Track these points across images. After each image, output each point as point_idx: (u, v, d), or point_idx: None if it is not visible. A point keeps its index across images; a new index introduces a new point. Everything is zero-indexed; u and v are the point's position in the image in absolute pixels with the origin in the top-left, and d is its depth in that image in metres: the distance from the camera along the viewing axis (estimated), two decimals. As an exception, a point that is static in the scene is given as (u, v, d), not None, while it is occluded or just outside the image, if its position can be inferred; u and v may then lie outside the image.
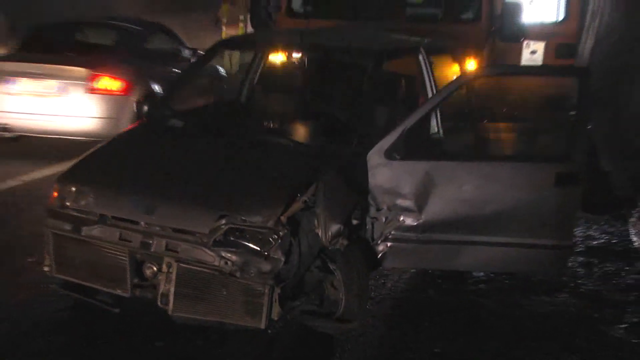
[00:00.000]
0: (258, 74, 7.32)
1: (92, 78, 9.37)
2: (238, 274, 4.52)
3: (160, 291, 4.75)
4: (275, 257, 4.52)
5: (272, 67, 7.50)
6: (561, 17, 9.49)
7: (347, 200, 4.92)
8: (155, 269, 4.81)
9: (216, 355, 4.92)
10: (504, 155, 6.34)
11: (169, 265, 4.70)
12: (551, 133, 6.61)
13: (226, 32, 18.82)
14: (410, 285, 6.24)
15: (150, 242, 4.75)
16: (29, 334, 5.07)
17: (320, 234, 4.67)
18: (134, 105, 6.66)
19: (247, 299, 4.57)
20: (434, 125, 6.01)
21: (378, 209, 5.29)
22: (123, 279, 4.86)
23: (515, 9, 8.37)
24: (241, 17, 19.15)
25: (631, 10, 12.59)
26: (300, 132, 6.18)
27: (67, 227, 4.98)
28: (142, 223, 4.82)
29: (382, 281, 6.20)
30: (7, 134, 9.81)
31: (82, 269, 5.02)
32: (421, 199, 5.25)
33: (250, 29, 16.03)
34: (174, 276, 4.67)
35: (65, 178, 5.21)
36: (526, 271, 6.04)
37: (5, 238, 6.75)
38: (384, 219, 5.31)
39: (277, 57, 7.47)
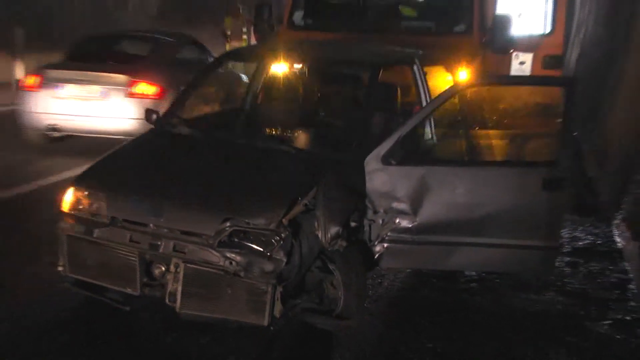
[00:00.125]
0: (261, 83, 7.32)
1: (131, 84, 9.95)
2: (242, 274, 4.53)
3: (168, 290, 4.76)
4: (278, 257, 4.53)
5: (275, 78, 7.49)
6: (548, 30, 9.49)
7: (345, 204, 4.91)
8: (163, 268, 4.83)
9: (221, 351, 4.89)
10: (494, 161, 6.35)
11: (177, 266, 4.71)
12: (539, 140, 6.61)
13: (231, 44, 18.81)
14: (406, 284, 6.23)
15: (159, 243, 4.76)
16: (47, 331, 5.05)
17: (320, 235, 4.66)
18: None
19: (251, 298, 4.57)
20: (428, 132, 6.01)
21: (375, 212, 5.29)
22: (133, 278, 4.86)
23: (505, 22, 8.37)
24: (244, 30, 19.16)
25: (612, 24, 12.62)
26: (301, 139, 6.19)
27: (80, 229, 4.99)
28: (151, 225, 4.83)
29: (379, 280, 6.20)
30: (55, 134, 10.38)
31: (94, 269, 5.02)
32: (416, 202, 5.25)
33: (253, 41, 16.09)
34: (181, 276, 4.68)
35: (77, 183, 5.22)
36: (515, 271, 6.03)
37: (41, 234, 6.71)
38: (380, 221, 5.31)
39: (279, 68, 7.46)
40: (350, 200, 5.03)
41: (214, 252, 4.60)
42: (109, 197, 5.01)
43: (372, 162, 5.21)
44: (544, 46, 9.34)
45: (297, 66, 7.31)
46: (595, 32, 15.59)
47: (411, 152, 5.34)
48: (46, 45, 17.33)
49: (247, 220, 4.63)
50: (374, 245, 5.36)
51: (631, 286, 6.34)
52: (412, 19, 9.36)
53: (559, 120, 5.64)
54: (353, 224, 5.01)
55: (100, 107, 9.90)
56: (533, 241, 5.36)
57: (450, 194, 5.31)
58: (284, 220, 4.60)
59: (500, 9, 9.05)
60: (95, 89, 10.00)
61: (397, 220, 5.30)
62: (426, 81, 6.34)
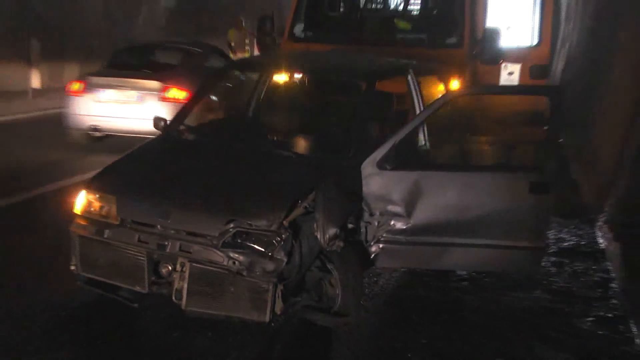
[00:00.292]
0: (264, 92, 7.31)
1: (164, 89, 10.48)
2: (245, 273, 4.54)
3: (175, 288, 4.75)
4: (279, 257, 4.54)
5: (276, 86, 7.49)
6: (535, 41, 9.48)
7: (343, 206, 4.90)
8: (170, 268, 4.82)
9: (225, 346, 4.87)
10: (484, 166, 6.34)
11: (183, 265, 4.71)
12: (526, 146, 6.61)
13: (236, 54, 18.80)
14: (401, 283, 6.22)
15: (166, 243, 4.76)
16: (47, 331, 5.00)
17: (319, 236, 4.67)
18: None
19: (253, 295, 4.57)
20: (422, 139, 6.00)
21: (371, 214, 5.29)
22: (141, 277, 4.86)
23: (494, 35, 8.37)
24: (246, 41, 19.15)
25: (596, 36, 12.63)
26: (301, 145, 6.18)
27: (91, 230, 4.99)
28: (159, 227, 4.82)
29: (375, 279, 6.18)
30: (96, 133, 10.90)
31: (105, 268, 5.02)
32: (410, 205, 5.25)
33: (256, 52, 16.11)
34: (187, 274, 4.68)
35: (89, 186, 5.21)
36: (504, 270, 6.02)
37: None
38: (376, 223, 5.31)
39: (281, 77, 7.45)
40: (348, 203, 5.03)
41: (218, 252, 4.60)
42: (119, 199, 5.00)
43: (368, 167, 5.21)
44: (531, 57, 9.32)
45: (298, 76, 7.31)
46: (579, 44, 15.60)
47: (405, 158, 5.33)
48: (60, 55, 17.35)
49: (249, 222, 4.63)
50: (370, 246, 5.36)
51: (613, 285, 6.33)
52: (407, 31, 9.36)
53: (545, 127, 5.63)
54: (350, 226, 5.04)
55: (137, 109, 10.34)
56: (521, 242, 5.36)
57: (442, 197, 5.31)
58: (284, 222, 4.61)
59: (490, 22, 9.04)
60: (132, 93, 10.59)
61: (392, 222, 5.30)
62: (420, 90, 6.33)
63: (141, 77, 10.82)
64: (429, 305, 5.77)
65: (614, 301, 6.01)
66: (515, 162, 6.50)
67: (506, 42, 8.86)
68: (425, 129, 5.90)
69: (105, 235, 4.93)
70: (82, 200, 5.13)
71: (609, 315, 5.75)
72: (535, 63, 9.31)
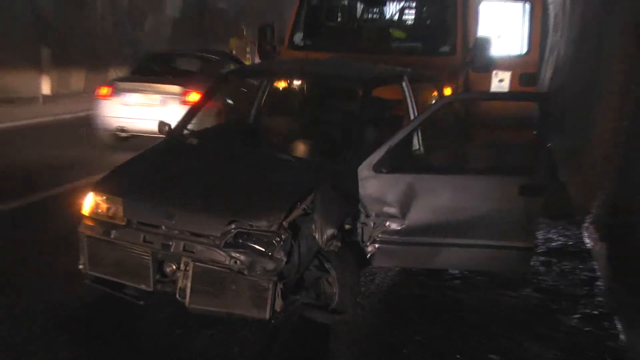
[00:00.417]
0: (264, 98, 7.30)
1: (184, 93, 10.78)
2: (246, 272, 4.53)
3: (179, 286, 4.74)
4: (278, 257, 4.53)
5: (277, 93, 7.48)
6: (524, 50, 9.50)
7: (340, 208, 4.91)
8: (174, 267, 4.80)
9: (227, 342, 4.86)
10: (476, 169, 6.32)
11: (186, 264, 4.70)
12: (516, 149, 6.60)
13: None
14: (395, 281, 6.21)
15: (170, 243, 4.75)
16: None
17: (317, 237, 4.67)
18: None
19: (254, 294, 4.56)
20: (416, 143, 5.99)
21: (367, 216, 5.28)
22: (147, 276, 4.85)
23: (485, 43, 8.38)
24: (247, 49, 19.17)
25: (582, 45, 12.64)
26: (300, 149, 6.18)
27: (99, 230, 4.98)
28: (163, 227, 4.81)
29: (371, 278, 6.17)
30: (123, 134, 11.22)
31: (112, 267, 5.00)
32: (404, 207, 5.24)
33: (257, 60, 16.12)
34: (190, 273, 4.67)
35: (96, 188, 5.20)
36: (495, 269, 6.01)
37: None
38: (372, 224, 5.30)
39: (281, 84, 7.45)
40: (345, 204, 5.04)
41: (220, 251, 4.59)
42: (125, 201, 4.99)
43: (364, 170, 5.21)
44: (521, 65, 9.34)
45: (297, 82, 7.30)
46: (567, 53, 15.61)
47: (400, 162, 5.32)
48: (68, 63, 17.35)
49: (250, 223, 4.63)
50: (367, 246, 5.35)
51: (599, 283, 6.32)
52: (402, 40, 9.36)
53: (534, 132, 5.63)
54: (347, 227, 5.04)
55: (160, 112, 10.26)
56: (511, 242, 5.36)
57: (436, 199, 5.30)
58: (284, 223, 4.60)
59: (481, 32, 9.05)
60: (156, 97, 10.96)
61: (387, 223, 5.29)
62: (414, 96, 6.32)
63: (164, 82, 11.22)
64: (423, 303, 5.76)
65: (600, 299, 6.01)
66: (505, 165, 6.48)
67: (497, 50, 8.87)
68: (419, 133, 5.89)
69: (112, 236, 4.91)
70: (89, 202, 5.12)
71: (595, 312, 5.74)
72: (524, 71, 9.33)
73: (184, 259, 4.71)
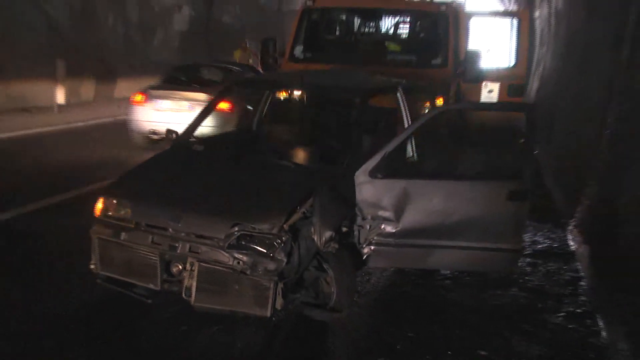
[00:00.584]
0: (266, 107, 7.30)
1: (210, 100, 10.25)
2: (248, 272, 4.53)
3: (185, 285, 4.73)
4: (279, 258, 4.53)
5: (278, 103, 7.48)
6: (512, 63, 9.52)
7: (338, 212, 4.90)
8: (180, 267, 4.79)
9: (230, 338, 4.85)
10: (466, 175, 6.32)
11: (192, 265, 4.69)
12: (504, 156, 6.59)
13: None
14: (390, 281, 6.19)
15: (177, 245, 4.74)
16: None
17: (316, 239, 4.66)
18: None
19: (256, 292, 4.56)
20: (410, 150, 5.98)
21: (363, 219, 5.28)
22: (154, 275, 4.84)
23: (476, 57, 8.39)
24: (250, 61, 19.20)
25: (567, 59, 12.65)
26: (300, 155, 6.18)
27: (109, 232, 4.97)
28: (170, 230, 4.80)
29: (367, 278, 6.15)
30: (155, 137, 11.18)
31: (121, 267, 4.99)
32: (399, 211, 5.24)
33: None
34: (195, 273, 4.67)
35: (107, 193, 5.20)
36: (484, 270, 6.00)
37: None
38: (368, 227, 5.30)
39: (282, 94, 7.45)
40: (342, 208, 5.03)
41: (224, 253, 4.59)
42: (134, 205, 4.99)
43: (361, 176, 5.21)
44: (509, 77, 9.37)
45: (297, 93, 7.30)
46: (552, 66, 15.63)
47: (395, 167, 5.32)
48: (81, 73, 17.37)
49: (253, 226, 4.63)
50: (363, 248, 5.35)
51: (582, 283, 6.32)
52: (397, 53, 9.37)
53: (522, 140, 5.62)
54: (344, 229, 5.03)
55: (188, 116, 10.21)
56: (499, 244, 5.36)
57: (429, 203, 5.30)
58: (284, 225, 4.60)
59: (472, 45, 9.06)
60: (184, 103, 11.24)
61: (383, 226, 5.29)
62: (408, 106, 6.31)
63: (191, 90, 11.59)
64: (416, 302, 5.74)
65: (583, 298, 6.00)
66: (494, 171, 6.48)
67: (486, 63, 8.88)
68: (413, 141, 5.89)
69: (122, 238, 4.91)
70: (100, 206, 5.11)
71: (579, 310, 5.73)
72: (512, 82, 9.35)
73: (189, 260, 4.70)
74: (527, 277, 6.43)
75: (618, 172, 6.61)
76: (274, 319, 4.72)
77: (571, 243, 7.41)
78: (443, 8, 8.87)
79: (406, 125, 6.09)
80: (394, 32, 9.96)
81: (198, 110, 10.01)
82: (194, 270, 4.68)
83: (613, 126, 7.23)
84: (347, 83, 6.70)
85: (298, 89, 7.18)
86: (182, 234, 4.76)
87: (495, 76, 9.22)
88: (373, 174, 5.19)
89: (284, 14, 27.91)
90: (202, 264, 4.65)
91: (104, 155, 11.21)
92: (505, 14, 13.51)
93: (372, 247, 5.34)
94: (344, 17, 10.00)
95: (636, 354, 4.66)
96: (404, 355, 4.78)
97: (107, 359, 4.60)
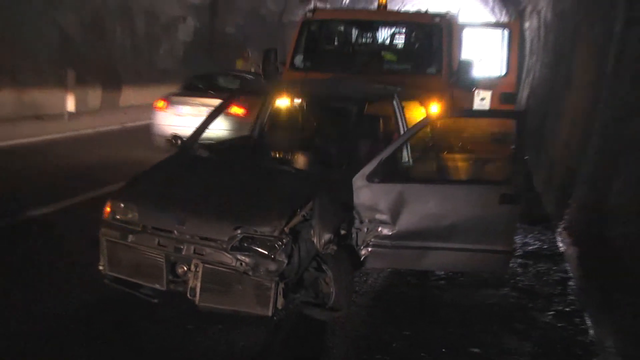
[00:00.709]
0: (267, 115, 7.29)
1: (230, 107, 10.51)
2: (250, 273, 4.54)
3: (190, 286, 4.72)
4: (280, 259, 4.53)
5: (279, 110, 7.47)
6: (504, 72, 9.49)
7: (336, 215, 4.91)
8: (185, 268, 4.78)
9: (233, 336, 4.84)
10: (460, 180, 6.33)
11: (197, 266, 4.68)
12: (496, 162, 6.60)
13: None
14: (387, 281, 6.19)
15: (182, 247, 4.74)
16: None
17: (315, 241, 4.68)
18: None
19: (258, 292, 4.56)
20: (405, 156, 5.98)
21: (361, 222, 5.28)
22: (160, 276, 4.84)
23: (468, 66, 8.39)
24: (252, 70, 19.21)
25: (555, 69, 12.66)
26: (300, 161, 6.17)
27: (117, 235, 4.97)
28: (175, 232, 4.79)
29: (364, 278, 6.14)
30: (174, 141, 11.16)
31: (129, 268, 4.98)
32: (395, 214, 5.24)
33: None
34: (200, 274, 4.66)
35: (115, 197, 5.19)
36: (477, 270, 6.00)
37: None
38: (365, 229, 5.30)
39: (283, 102, 7.43)
40: (341, 212, 5.03)
41: (227, 254, 4.59)
42: (141, 208, 4.99)
43: (358, 180, 5.22)
44: (501, 85, 9.34)
45: (298, 100, 7.29)
46: (541, 75, 15.64)
47: (391, 172, 5.32)
48: (89, 83, 17.38)
49: (255, 228, 4.62)
50: (360, 249, 5.35)
51: (571, 283, 6.32)
52: (393, 62, 9.36)
53: (512, 146, 5.62)
54: (343, 232, 5.02)
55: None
56: (491, 246, 5.36)
57: (423, 206, 5.30)
58: (285, 228, 4.61)
59: (464, 55, 9.05)
60: (203, 109, 10.85)
61: (379, 229, 5.29)
62: (404, 113, 6.31)
63: (209, 97, 11.64)
64: (411, 301, 5.74)
65: (572, 297, 6.00)
66: (486, 176, 6.48)
67: (479, 72, 8.87)
68: (409, 147, 5.88)
69: (129, 240, 4.90)
70: (109, 209, 5.10)
71: (567, 309, 5.73)
72: (504, 90, 9.33)
73: (194, 261, 4.69)
74: (518, 278, 6.43)
75: (604, 177, 6.61)
76: (275, 317, 4.71)
77: (560, 245, 7.40)
78: (437, 20, 8.86)
79: (402, 132, 6.09)
80: (390, 42, 9.95)
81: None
82: (198, 271, 4.67)
83: (599, 133, 7.23)
84: (346, 91, 6.70)
85: (299, 97, 7.17)
86: (187, 237, 4.76)
87: (487, 84, 9.19)
88: (370, 178, 5.19)
89: (284, 26, 27.93)
90: (206, 265, 4.65)
91: (117, 159, 11.34)
92: (497, 25, 13.46)
93: (370, 249, 5.34)
94: (342, 29, 9.99)
95: (622, 351, 4.65)
96: (401, 352, 4.77)
97: (107, 359, 4.56)
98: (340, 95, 6.61)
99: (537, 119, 12.90)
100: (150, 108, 12.59)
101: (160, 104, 12.38)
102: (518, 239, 7.41)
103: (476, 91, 9.07)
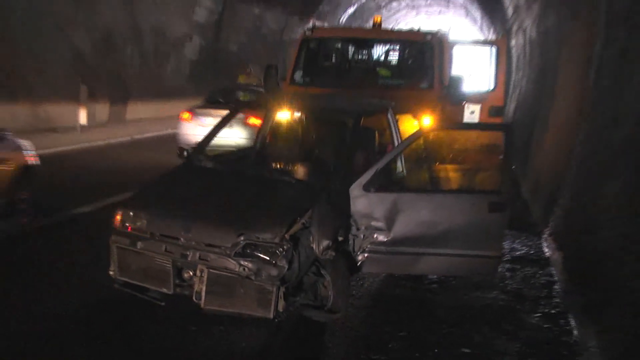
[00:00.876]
0: (269, 127, 7.29)
1: (246, 117, 11.34)
2: (253, 277, 4.54)
3: (195, 290, 4.73)
4: (281, 264, 4.54)
5: (280, 123, 7.47)
6: (492, 87, 9.51)
7: (334, 222, 4.91)
8: (191, 273, 4.80)
9: (236, 337, 4.83)
10: (451, 189, 6.33)
11: (202, 271, 4.69)
12: (485, 172, 6.60)
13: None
14: (382, 285, 6.18)
15: (188, 253, 4.74)
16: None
17: (314, 247, 4.69)
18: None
19: (260, 296, 4.57)
20: (399, 166, 5.98)
21: (358, 229, 5.27)
22: (167, 281, 4.84)
23: (458, 81, 8.40)
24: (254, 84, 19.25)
25: (540, 84, 12.69)
26: (300, 171, 6.17)
27: (127, 242, 4.97)
28: (182, 239, 4.80)
29: (361, 282, 6.13)
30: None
31: (138, 273, 4.99)
32: (389, 221, 5.23)
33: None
34: (205, 279, 4.67)
35: (125, 206, 5.19)
36: (468, 274, 5.99)
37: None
38: (362, 236, 5.29)
39: (283, 115, 7.43)
40: (339, 219, 5.04)
41: (231, 260, 4.60)
42: (149, 216, 5.00)
43: (355, 190, 5.21)
44: (489, 99, 9.36)
45: (297, 114, 7.29)
46: (527, 90, 15.67)
47: (386, 182, 5.33)
48: (98, 97, 17.40)
49: (257, 235, 4.63)
50: (357, 255, 5.33)
51: (556, 286, 6.31)
52: (387, 78, 9.37)
53: (501, 156, 5.63)
54: (340, 238, 5.01)
55: (228, 131, 10.55)
56: (481, 251, 5.35)
57: (417, 214, 5.29)
58: (286, 235, 4.61)
59: (455, 71, 9.06)
60: None
61: (375, 235, 5.28)
62: (398, 126, 6.31)
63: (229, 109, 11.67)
64: (406, 304, 5.73)
65: (557, 300, 5.99)
66: (476, 185, 6.48)
67: (468, 87, 8.89)
68: (402, 158, 5.88)
69: (138, 246, 4.91)
70: (119, 217, 5.10)
71: (553, 311, 5.72)
72: (492, 104, 9.34)
73: (199, 266, 4.69)
74: (506, 281, 6.42)
75: (587, 186, 6.61)
76: (276, 319, 4.71)
77: (546, 250, 7.40)
78: (429, 37, 8.87)
79: (396, 144, 6.09)
80: (384, 59, 9.97)
81: (236, 126, 10.97)
82: (203, 276, 4.67)
83: (582, 144, 7.24)
84: (343, 105, 6.70)
85: (298, 111, 7.17)
86: (193, 243, 4.76)
87: (476, 99, 9.20)
88: (366, 188, 5.19)
89: (285, 43, 28.00)
90: (211, 270, 4.65)
91: (127, 168, 11.41)
92: (485, 42, 13.48)
93: (366, 255, 5.32)
94: (339, 46, 10.01)
95: (604, 351, 4.65)
96: (396, 352, 4.76)
97: (107, 359, 4.52)
98: (338, 109, 6.61)
99: (524, 131, 12.92)
100: (157, 122, 12.64)
101: (186, 115, 12.66)
102: (506, 245, 7.40)
103: (466, 105, 9.08)
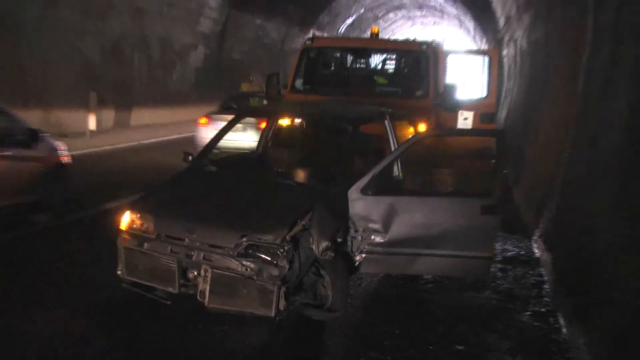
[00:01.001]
0: (271, 133, 7.29)
1: (259, 122, 11.07)
2: (255, 277, 4.53)
3: (199, 289, 4.73)
4: (282, 265, 4.53)
5: (281, 129, 7.46)
6: (484, 94, 9.49)
7: (333, 224, 4.90)
8: (195, 273, 4.79)
9: (238, 334, 4.83)
10: (445, 192, 6.32)
11: (206, 271, 4.68)
12: (477, 176, 6.59)
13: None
14: (379, 285, 6.17)
15: (192, 253, 4.74)
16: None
17: (314, 248, 4.67)
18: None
19: (261, 295, 4.56)
20: (396, 170, 5.97)
21: (356, 231, 5.25)
22: (173, 280, 4.83)
23: (452, 89, 8.42)
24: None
25: (530, 92, 12.70)
26: (300, 175, 6.16)
27: (134, 242, 4.97)
28: (187, 240, 4.80)
29: (359, 282, 6.12)
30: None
31: (144, 273, 4.98)
32: (386, 223, 5.22)
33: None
34: (209, 278, 4.66)
35: (132, 208, 5.19)
36: (461, 275, 5.96)
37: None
38: (360, 238, 5.27)
39: (284, 122, 7.43)
40: (337, 221, 5.02)
41: (233, 260, 4.59)
42: (155, 218, 4.99)
43: (353, 193, 5.20)
44: (482, 106, 9.33)
45: (298, 120, 7.29)
46: (518, 97, 15.68)
47: (383, 186, 5.31)
48: (104, 104, 17.40)
49: (259, 237, 4.63)
50: (355, 256, 5.32)
51: (546, 286, 6.29)
52: (384, 86, 9.37)
53: (493, 161, 5.62)
54: (339, 240, 5.01)
55: (242, 135, 11.19)
56: (474, 252, 5.33)
57: (412, 217, 5.28)
58: (287, 236, 4.61)
59: (449, 79, 9.06)
60: (239, 125, 11.07)
61: (372, 237, 5.26)
62: (394, 132, 6.31)
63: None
64: (402, 303, 5.71)
65: (547, 299, 5.98)
66: (469, 189, 6.47)
67: (462, 94, 8.89)
68: (399, 162, 5.87)
69: (145, 247, 4.91)
70: (126, 219, 5.10)
71: (543, 310, 5.71)
72: (484, 111, 9.32)
73: (203, 267, 4.69)
74: (498, 281, 6.41)
75: (576, 190, 6.61)
76: (277, 318, 4.69)
77: (536, 251, 7.39)
78: (424, 47, 8.88)
79: (393, 149, 6.08)
80: (381, 67, 9.97)
81: (249, 130, 11.64)
82: (207, 276, 4.67)
83: (570, 150, 7.24)
84: (341, 112, 6.70)
85: (299, 117, 7.17)
86: (197, 244, 4.76)
87: (469, 106, 9.19)
88: (364, 191, 5.18)
89: (286, 52, 28.04)
90: (214, 270, 4.65)
91: (135, 171, 11.52)
92: (478, 52, 13.50)
93: (364, 255, 5.31)
94: (338, 55, 10.01)
95: (592, 348, 4.64)
96: (392, 350, 4.74)
97: (108, 359, 4.46)
98: (337, 116, 6.61)
99: (515, 137, 12.93)
100: (162, 127, 12.63)
101: (203, 120, 12.91)
102: (498, 246, 7.38)
103: (460, 112, 9.07)
